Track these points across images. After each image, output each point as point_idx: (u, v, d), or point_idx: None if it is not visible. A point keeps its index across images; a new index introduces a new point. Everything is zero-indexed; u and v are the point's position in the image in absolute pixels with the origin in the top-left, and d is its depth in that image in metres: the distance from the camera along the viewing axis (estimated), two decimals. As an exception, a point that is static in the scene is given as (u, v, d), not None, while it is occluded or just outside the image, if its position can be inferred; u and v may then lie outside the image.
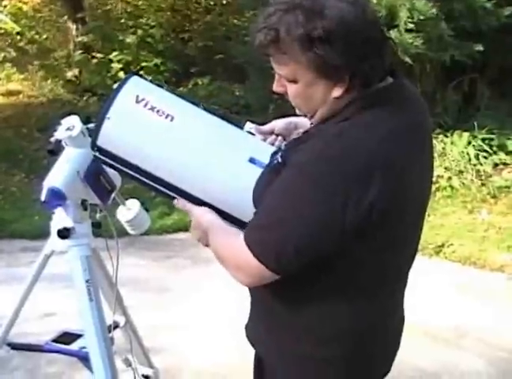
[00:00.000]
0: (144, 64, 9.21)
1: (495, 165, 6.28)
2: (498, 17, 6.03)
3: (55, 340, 2.20)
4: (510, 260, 4.70)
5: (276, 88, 1.46)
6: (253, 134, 1.75)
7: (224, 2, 10.93)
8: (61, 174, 1.97)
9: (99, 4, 10.56)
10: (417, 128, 1.48)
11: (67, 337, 2.19)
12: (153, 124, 1.62)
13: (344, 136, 1.36)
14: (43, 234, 2.23)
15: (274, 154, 1.54)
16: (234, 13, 10.77)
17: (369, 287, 1.49)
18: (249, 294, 1.67)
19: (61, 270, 2.11)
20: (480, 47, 5.95)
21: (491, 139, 6.25)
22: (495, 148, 6.32)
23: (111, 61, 9.10)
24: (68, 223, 1.99)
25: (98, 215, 2.13)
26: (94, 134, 1.66)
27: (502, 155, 6.35)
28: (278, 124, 1.78)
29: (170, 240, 5.10)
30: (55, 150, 1.98)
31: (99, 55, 9.23)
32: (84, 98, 8.76)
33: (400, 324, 1.66)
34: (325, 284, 1.47)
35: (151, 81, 1.78)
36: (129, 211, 2.22)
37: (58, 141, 1.98)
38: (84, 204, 2.02)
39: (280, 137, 1.76)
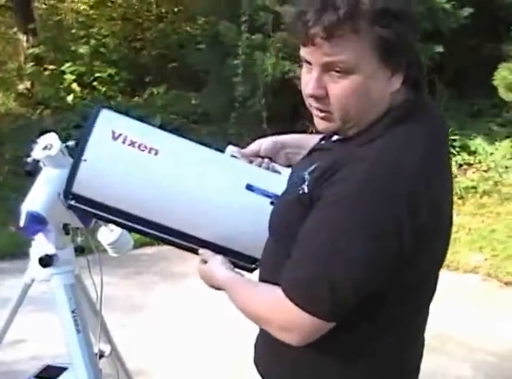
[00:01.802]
0: (97, 74, 9.04)
1: (460, 166, 6.30)
2: (457, 19, 6.06)
3: (38, 376, 2.04)
4: (483, 261, 4.70)
5: (314, 90, 1.26)
6: (236, 158, 1.62)
7: (176, 10, 10.83)
8: (40, 196, 1.82)
9: (49, 14, 10.32)
10: (442, 142, 1.38)
11: (51, 371, 2.04)
12: (137, 161, 1.47)
13: (384, 162, 1.22)
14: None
15: (296, 183, 1.34)
16: (186, 20, 10.69)
17: (413, 314, 1.40)
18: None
19: (31, 293, 2.00)
20: (440, 49, 5.97)
21: (454, 140, 6.26)
22: (457, 149, 6.34)
23: (63, 72, 8.91)
24: (50, 249, 1.84)
25: (80, 239, 1.99)
26: (67, 181, 1.49)
27: (465, 156, 6.39)
28: (263, 145, 1.65)
29: (138, 255, 4.94)
30: (33, 171, 1.83)
31: (51, 67, 9.04)
32: (38, 111, 8.52)
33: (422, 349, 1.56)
34: (377, 319, 1.34)
35: (119, 112, 1.60)
36: (111, 232, 2.09)
37: (36, 161, 1.83)
38: (66, 228, 1.88)
39: (266, 159, 1.63)
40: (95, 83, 9.09)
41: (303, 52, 1.27)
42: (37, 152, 1.84)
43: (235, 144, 1.68)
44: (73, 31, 9.74)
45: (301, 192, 1.28)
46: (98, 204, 1.50)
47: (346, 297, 1.23)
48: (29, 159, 1.84)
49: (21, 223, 1.80)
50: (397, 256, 1.22)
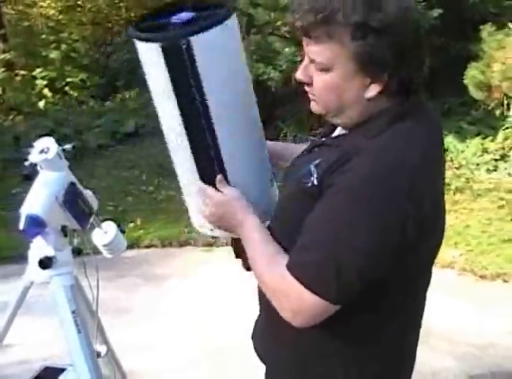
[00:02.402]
0: (69, 79, 9.02)
1: (432, 163, 6.41)
2: (427, 19, 6.17)
3: (37, 377, 2.06)
4: (459, 257, 4.79)
5: (300, 75, 1.38)
6: None
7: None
8: (39, 199, 1.85)
9: (19, 20, 10.26)
10: (439, 141, 1.46)
11: (49, 373, 2.07)
12: (241, 66, 1.54)
13: (390, 154, 1.30)
14: None
15: (301, 177, 1.40)
16: (156, 23, 10.68)
17: (414, 302, 1.48)
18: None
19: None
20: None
21: (427, 138, 6.37)
22: (430, 148, 6.45)
23: (35, 78, 8.87)
24: (49, 251, 1.87)
25: (76, 241, 2.02)
26: (196, 27, 1.42)
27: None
28: None
29: (119, 258, 4.95)
30: (31, 175, 1.86)
31: (22, 72, 8.99)
32: (10, 117, 8.46)
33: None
34: (381, 306, 1.40)
35: None
36: (105, 234, 2.13)
37: (34, 165, 1.86)
38: (64, 230, 1.91)
39: None
40: (66, 88, 9.07)
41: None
42: (34, 156, 1.87)
43: None
44: (44, 36, 9.68)
45: (310, 185, 1.35)
46: (194, 65, 1.44)
47: (351, 282, 1.29)
48: (27, 163, 1.87)
49: (21, 226, 1.83)
50: (400, 244, 1.28)
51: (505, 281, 4.47)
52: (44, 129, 7.34)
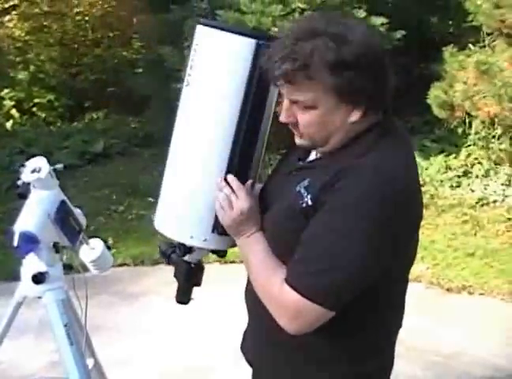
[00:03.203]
0: (37, 100, 9.03)
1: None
2: (391, 40, 6.36)
3: (30, 390, 2.12)
4: (426, 270, 4.93)
5: (285, 118, 1.47)
6: None
7: (112, 35, 10.87)
8: (32, 217, 1.93)
9: (-15, 41, 10.26)
10: (413, 155, 1.58)
11: (42, 385, 2.13)
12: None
13: (381, 170, 1.40)
14: None
15: (297, 196, 1.48)
16: (123, 45, 10.76)
17: (397, 305, 1.60)
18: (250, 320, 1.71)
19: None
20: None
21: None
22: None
23: (2, 98, 8.85)
24: (41, 267, 1.94)
25: (65, 257, 2.09)
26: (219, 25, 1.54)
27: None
28: None
29: (92, 277, 4.99)
30: (24, 193, 1.94)
31: (-11, 93, 8.97)
32: (-22, 137, 8.44)
33: None
34: (369, 308, 1.51)
35: None
36: (92, 250, 2.20)
37: (27, 184, 1.94)
38: (56, 246, 1.98)
39: None
40: (34, 109, 9.08)
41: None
42: (26, 175, 1.95)
43: None
44: (11, 57, 9.68)
45: (304, 205, 1.44)
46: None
47: (348, 290, 1.41)
48: (19, 182, 1.94)
49: (15, 243, 1.90)
50: (392, 253, 1.41)
51: (470, 293, 4.63)
52: (13, 150, 7.35)
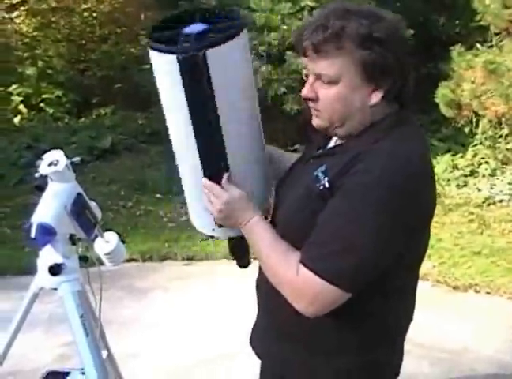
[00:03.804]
0: (45, 96, 9.05)
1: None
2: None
3: (43, 382, 2.15)
4: (432, 268, 4.95)
5: (307, 92, 1.51)
6: None
7: (119, 31, 10.90)
8: (49, 209, 1.94)
9: (-7, 36, 10.28)
10: (427, 145, 1.62)
11: (54, 377, 2.15)
12: (251, 80, 1.63)
13: (398, 155, 1.43)
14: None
15: (311, 181, 1.52)
16: (130, 41, 10.78)
17: (405, 296, 1.63)
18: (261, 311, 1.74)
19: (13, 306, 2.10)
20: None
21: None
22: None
23: (10, 94, 8.87)
24: (58, 258, 1.97)
25: (80, 250, 2.11)
26: (212, 40, 1.50)
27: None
28: None
29: (101, 272, 5.03)
30: (42, 185, 1.96)
31: (-2, 88, 9.00)
32: (-15, 133, 8.47)
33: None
34: (378, 296, 1.54)
35: None
36: (107, 243, 2.23)
37: (44, 177, 1.96)
38: (72, 238, 2.00)
39: None
40: (42, 104, 9.10)
41: (304, 61, 1.51)
42: (44, 168, 1.97)
43: None
44: (19, 52, 9.71)
45: (322, 188, 1.47)
46: (208, 76, 1.51)
47: (365, 272, 1.43)
48: (37, 175, 1.97)
49: (32, 235, 1.92)
50: (403, 244, 1.44)
51: (476, 291, 4.65)
52: (22, 145, 7.39)
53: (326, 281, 1.42)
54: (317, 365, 1.61)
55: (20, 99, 8.86)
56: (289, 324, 1.59)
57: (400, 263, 1.49)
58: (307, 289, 1.45)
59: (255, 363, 1.86)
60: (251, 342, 1.83)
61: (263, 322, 1.77)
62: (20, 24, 10.16)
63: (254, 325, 1.85)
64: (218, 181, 1.60)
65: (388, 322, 1.60)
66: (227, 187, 1.59)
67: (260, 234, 1.56)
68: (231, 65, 1.54)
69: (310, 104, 1.53)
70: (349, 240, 1.41)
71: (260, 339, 1.79)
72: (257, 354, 1.79)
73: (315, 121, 1.55)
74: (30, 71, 9.15)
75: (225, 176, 1.60)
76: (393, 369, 1.71)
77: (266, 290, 1.62)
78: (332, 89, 1.47)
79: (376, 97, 1.46)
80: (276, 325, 1.68)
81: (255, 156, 1.70)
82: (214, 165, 1.62)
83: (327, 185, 1.46)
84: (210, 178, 1.61)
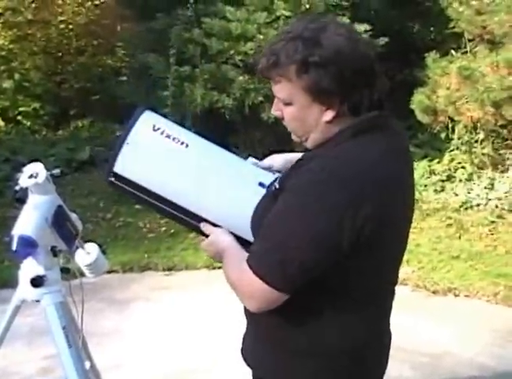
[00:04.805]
0: (22, 108, 9.01)
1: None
2: (374, 47, 6.44)
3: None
4: (411, 273, 5.00)
5: (273, 111, 1.61)
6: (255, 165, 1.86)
7: (96, 43, 10.88)
8: (30, 221, 1.96)
9: (-30, 50, 10.21)
10: (403, 153, 1.63)
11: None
12: (170, 150, 1.69)
13: (340, 159, 1.49)
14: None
15: (273, 182, 1.66)
16: (107, 53, 10.77)
17: (363, 303, 1.60)
18: (246, 319, 1.75)
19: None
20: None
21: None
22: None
23: (-14, 107, 8.83)
24: (39, 270, 1.98)
25: (61, 261, 2.12)
26: (111, 160, 1.68)
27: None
28: (276, 160, 1.91)
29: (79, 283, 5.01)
30: (23, 198, 1.97)
31: (-26, 102, 8.94)
32: (-37, 146, 8.40)
33: (389, 342, 1.79)
34: (321, 301, 1.56)
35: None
36: (88, 255, 2.24)
37: (24, 189, 1.97)
38: (53, 250, 2.02)
39: (277, 174, 1.85)
40: (19, 117, 9.06)
41: None
42: (24, 180, 1.98)
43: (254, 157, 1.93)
44: (-5, 66, 9.66)
45: (273, 188, 1.58)
46: (132, 183, 1.69)
47: (292, 273, 1.47)
48: (17, 187, 1.98)
49: (13, 247, 1.93)
50: (337, 242, 1.45)
51: (456, 295, 4.71)
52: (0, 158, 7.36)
53: (259, 278, 1.48)
54: (295, 368, 1.63)
55: (-3, 111, 8.83)
56: (264, 327, 1.65)
57: (347, 265, 1.51)
58: (246, 286, 1.52)
59: (237, 373, 1.87)
60: (241, 352, 1.83)
61: (249, 331, 1.80)
62: (-5, 36, 10.10)
63: (244, 338, 1.85)
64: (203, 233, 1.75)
65: (345, 329, 1.61)
66: (206, 232, 1.73)
67: (230, 255, 1.65)
68: (144, 163, 1.69)
69: (283, 122, 1.61)
70: (277, 238, 1.48)
71: (245, 349, 1.80)
72: (248, 364, 1.79)
73: (292, 136, 1.63)
74: (7, 84, 9.10)
75: (201, 224, 1.73)
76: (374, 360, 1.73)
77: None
78: (289, 109, 1.56)
79: (328, 116, 1.52)
80: (260, 332, 1.71)
81: (231, 201, 1.76)
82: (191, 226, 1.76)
83: (277, 186, 1.57)
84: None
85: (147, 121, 1.71)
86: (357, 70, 1.49)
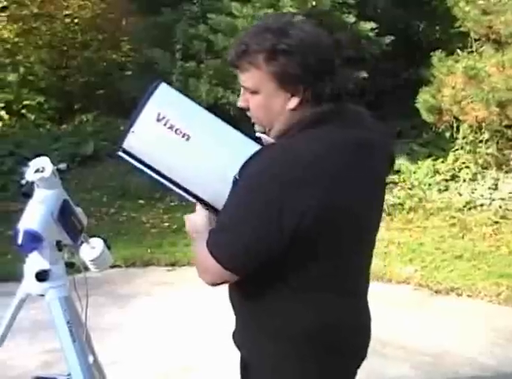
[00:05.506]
0: (26, 102, 9.01)
1: (386, 184, 6.64)
2: (380, 45, 6.45)
3: (29, 388, 2.15)
4: (414, 272, 5.00)
5: (241, 102, 1.68)
6: (260, 140, 1.87)
7: (101, 38, 10.89)
8: (36, 216, 1.95)
9: (-26, 44, 10.21)
10: (364, 144, 1.64)
11: (41, 382, 2.16)
12: (171, 143, 1.74)
13: (287, 150, 1.56)
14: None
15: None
16: (112, 47, 10.78)
17: (321, 287, 1.65)
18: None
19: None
20: (364, 74, 6.34)
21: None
22: (383, 168, 6.68)
23: (-9, 100, 8.83)
24: (44, 265, 1.98)
25: (66, 256, 2.12)
26: (121, 139, 1.76)
27: (390, 175, 6.73)
28: None
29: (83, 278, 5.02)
30: (29, 192, 1.97)
31: (-22, 95, 8.94)
32: (-33, 139, 8.41)
33: (367, 321, 1.82)
34: (279, 285, 1.64)
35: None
36: (93, 249, 2.23)
37: (31, 183, 1.97)
38: (58, 244, 2.02)
39: None
40: (23, 111, 9.06)
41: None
42: (30, 175, 1.97)
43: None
44: (0, 59, 9.65)
45: (234, 179, 1.64)
46: (137, 159, 1.78)
47: (238, 253, 1.58)
48: (23, 181, 1.97)
49: (19, 241, 1.93)
50: (278, 229, 1.53)
51: (458, 295, 4.71)
52: (4, 151, 7.36)
53: (212, 256, 1.59)
54: (272, 351, 1.70)
55: (2, 105, 8.81)
56: (238, 311, 1.77)
57: (299, 251, 1.57)
58: (203, 262, 1.64)
59: (238, 369, 1.88)
60: (233, 339, 1.88)
61: (238, 324, 1.84)
62: (1, 30, 10.10)
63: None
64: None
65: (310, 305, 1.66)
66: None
67: (199, 241, 1.72)
68: (150, 143, 1.76)
69: (248, 113, 1.67)
70: (226, 221, 1.61)
71: (240, 339, 1.85)
72: (237, 347, 1.85)
73: (256, 127, 1.70)
74: (11, 77, 9.10)
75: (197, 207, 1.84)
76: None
77: (237, 297, 1.76)
78: (255, 98, 1.62)
79: (293, 103, 1.59)
80: (236, 315, 1.80)
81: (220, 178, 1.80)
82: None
83: (237, 176, 1.63)
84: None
85: (154, 108, 1.74)
86: (321, 59, 1.58)
